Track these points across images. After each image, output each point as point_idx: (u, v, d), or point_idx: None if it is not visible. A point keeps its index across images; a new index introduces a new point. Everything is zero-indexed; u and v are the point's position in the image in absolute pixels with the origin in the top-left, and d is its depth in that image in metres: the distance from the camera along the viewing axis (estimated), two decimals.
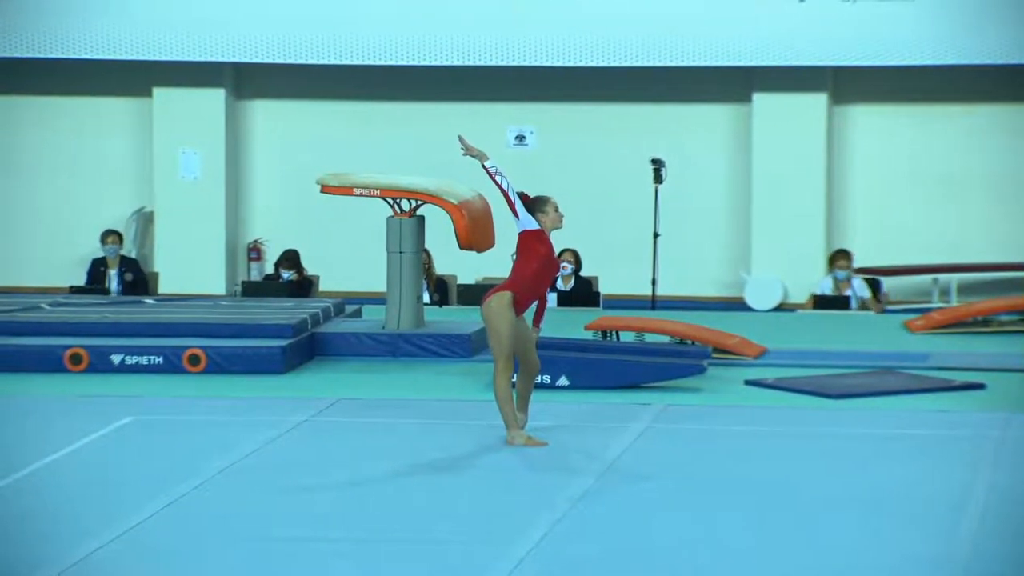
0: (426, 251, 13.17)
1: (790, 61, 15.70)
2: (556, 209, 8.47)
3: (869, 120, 16.40)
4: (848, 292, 14.61)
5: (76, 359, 10.62)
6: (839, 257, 14.76)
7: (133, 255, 16.26)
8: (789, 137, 16.18)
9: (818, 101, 16.18)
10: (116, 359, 10.61)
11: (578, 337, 11.19)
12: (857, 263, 15.08)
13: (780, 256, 16.19)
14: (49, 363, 10.59)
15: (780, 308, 15.93)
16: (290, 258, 14.46)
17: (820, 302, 14.39)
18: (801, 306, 15.30)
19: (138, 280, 14.81)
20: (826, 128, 16.22)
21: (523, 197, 8.47)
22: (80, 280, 15.43)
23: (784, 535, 6.77)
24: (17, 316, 11.35)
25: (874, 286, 14.83)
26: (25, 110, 16.81)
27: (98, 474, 7.72)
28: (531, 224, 8.37)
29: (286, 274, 14.37)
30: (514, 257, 8.51)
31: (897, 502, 7.27)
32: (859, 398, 9.83)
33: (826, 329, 12.74)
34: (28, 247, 16.73)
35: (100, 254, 15.05)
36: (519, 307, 8.34)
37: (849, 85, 16.30)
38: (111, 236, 14.95)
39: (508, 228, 13.61)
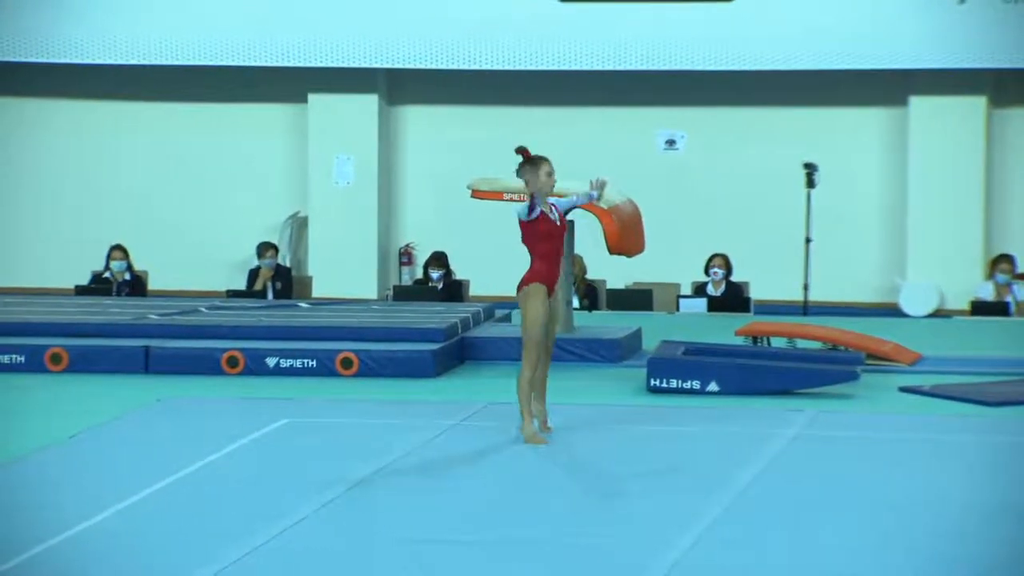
0: (578, 256, 13.16)
1: (948, 64, 15.43)
2: (550, 174, 8.30)
3: None
4: (1008, 298, 14.33)
5: (233, 362, 10.79)
6: (1001, 261, 14.52)
7: (287, 260, 16.48)
8: (947, 141, 15.90)
9: (977, 104, 15.87)
10: (271, 362, 10.77)
11: (728, 343, 11.11)
12: (1018, 268, 14.77)
13: (936, 261, 15.92)
14: (207, 365, 10.78)
15: (936, 314, 15.65)
16: (438, 258, 14.55)
17: (978, 308, 14.13)
18: (959, 312, 15.03)
19: (285, 289, 14.96)
20: (985, 132, 15.91)
21: (524, 153, 8.35)
22: (236, 284, 15.67)
23: (936, 547, 6.64)
24: (176, 319, 11.58)
25: None
26: (188, 117, 17.16)
27: (254, 475, 7.84)
28: (524, 212, 8.25)
29: (436, 274, 14.44)
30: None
31: None
32: (1019, 406, 9.62)
33: (984, 335, 12.48)
34: (187, 251, 17.06)
35: (257, 262, 15.20)
36: (550, 287, 8.30)
37: (1009, 88, 15.96)
38: (270, 250, 15.10)
39: (655, 234, 13.55)
